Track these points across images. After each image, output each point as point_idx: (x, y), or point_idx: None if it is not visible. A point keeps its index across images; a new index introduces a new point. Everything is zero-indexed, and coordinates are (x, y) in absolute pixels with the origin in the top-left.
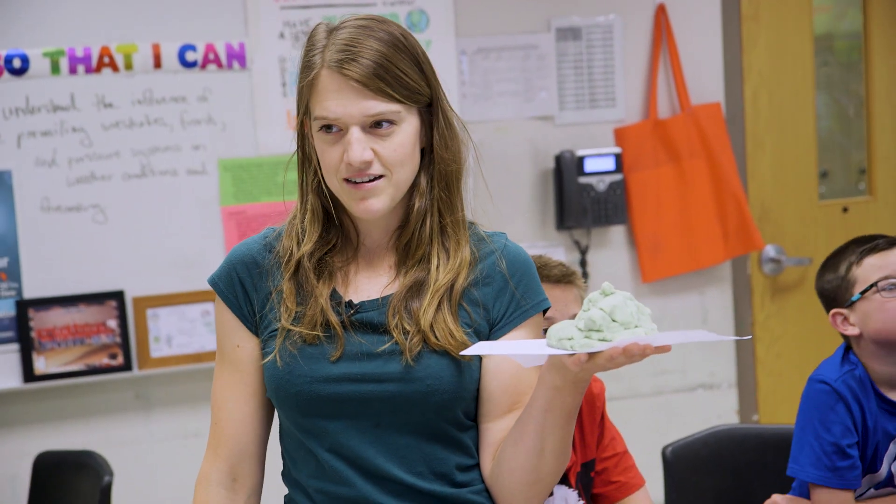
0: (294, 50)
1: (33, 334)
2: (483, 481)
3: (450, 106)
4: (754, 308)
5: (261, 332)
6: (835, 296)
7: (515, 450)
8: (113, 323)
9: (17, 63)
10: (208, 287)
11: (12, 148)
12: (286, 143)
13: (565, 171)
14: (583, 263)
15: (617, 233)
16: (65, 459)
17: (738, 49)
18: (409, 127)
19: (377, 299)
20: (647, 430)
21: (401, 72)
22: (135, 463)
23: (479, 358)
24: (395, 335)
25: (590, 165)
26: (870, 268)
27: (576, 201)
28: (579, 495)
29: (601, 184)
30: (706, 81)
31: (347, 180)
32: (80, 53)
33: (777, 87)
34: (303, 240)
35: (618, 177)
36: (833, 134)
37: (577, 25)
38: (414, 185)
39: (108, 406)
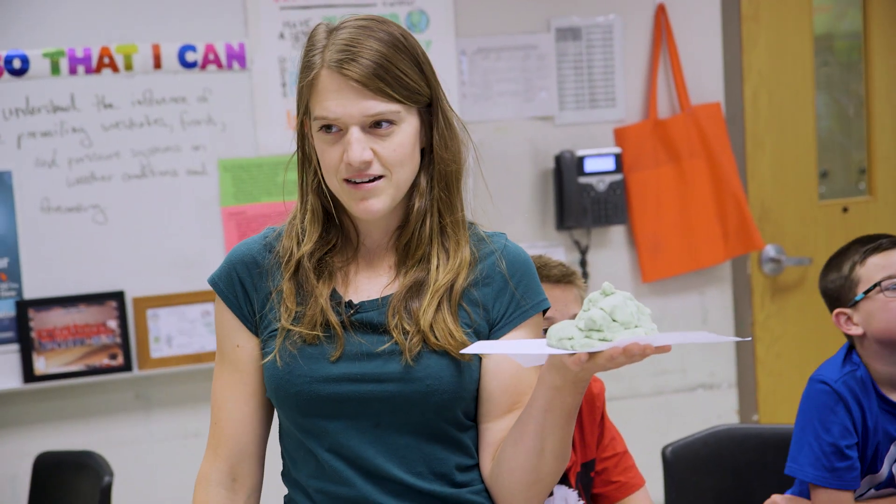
0: (294, 50)
1: (33, 335)
2: (483, 481)
3: (450, 106)
4: (754, 308)
5: (261, 332)
6: (838, 295)
7: (515, 450)
8: (113, 323)
9: (17, 63)
10: (208, 287)
11: (12, 148)
12: (286, 144)
13: (565, 171)
14: (583, 263)
15: (617, 233)
16: (65, 460)
17: (738, 49)
18: (408, 127)
19: (377, 299)
20: (647, 430)
21: (400, 72)
22: (135, 463)
23: (479, 358)
24: (394, 335)
25: (590, 165)
26: (873, 267)
27: (576, 201)
28: (579, 495)
29: (601, 184)
30: (706, 81)
31: (347, 181)
32: (80, 54)
33: (777, 87)
34: (303, 240)
35: (618, 177)
36: (833, 134)
37: (577, 25)
38: (414, 186)
39: (108, 406)
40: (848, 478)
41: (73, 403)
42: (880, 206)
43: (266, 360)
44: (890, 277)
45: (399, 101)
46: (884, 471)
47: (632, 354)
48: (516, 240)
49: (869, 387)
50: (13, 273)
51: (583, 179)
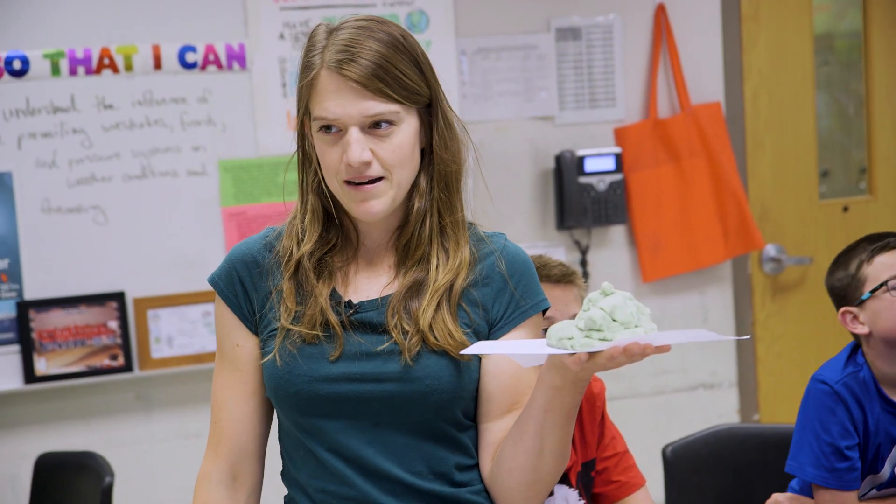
0: (294, 51)
1: (34, 335)
2: (482, 481)
3: (449, 106)
4: (755, 307)
5: (260, 332)
6: (845, 294)
7: (515, 450)
8: (114, 324)
9: (17, 64)
10: (209, 288)
11: (13, 149)
12: (286, 144)
13: (565, 171)
14: (583, 263)
15: (617, 232)
16: (66, 460)
17: (738, 49)
18: (408, 127)
19: (376, 299)
20: (648, 429)
21: (400, 72)
22: (136, 464)
23: (479, 358)
24: (394, 335)
25: (590, 165)
26: (880, 266)
27: (576, 201)
28: (580, 495)
29: (601, 184)
30: (706, 81)
31: (348, 182)
32: (80, 55)
33: (777, 87)
34: (303, 239)
35: (618, 176)
36: (833, 133)
37: (577, 25)
38: (414, 186)
39: (108, 407)
40: (848, 478)
41: (74, 404)
42: (881, 206)
43: (266, 359)
44: None
45: (398, 102)
46: (885, 471)
47: (632, 354)
48: (516, 240)
49: (871, 388)
50: (14, 274)
51: (583, 179)
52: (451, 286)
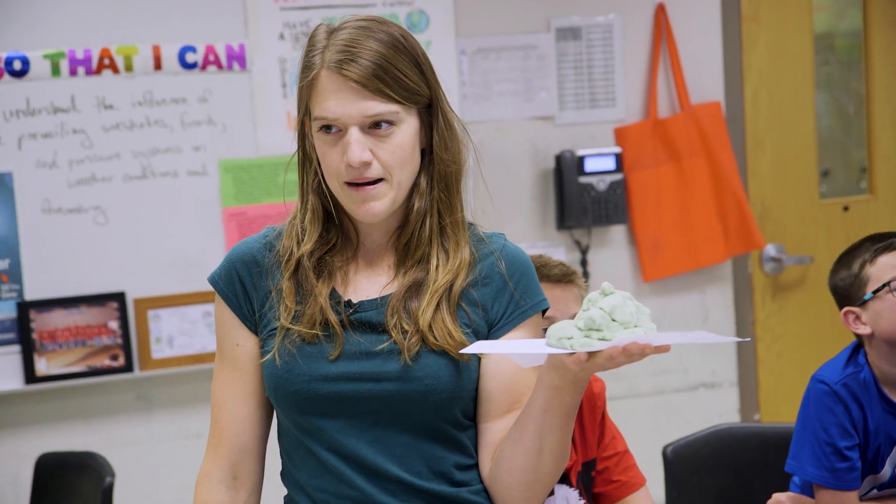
0: (294, 51)
1: (34, 336)
2: (482, 481)
3: (450, 107)
4: (755, 307)
5: (260, 331)
6: (847, 293)
7: (514, 450)
8: (114, 324)
9: (17, 65)
10: (209, 288)
11: (13, 150)
12: (286, 144)
13: (565, 170)
14: (583, 263)
15: (617, 232)
16: (66, 461)
17: (738, 48)
18: (408, 128)
19: (376, 299)
20: (648, 429)
21: (400, 73)
22: (136, 464)
23: (478, 358)
24: (393, 335)
25: (590, 165)
26: (883, 267)
27: (576, 201)
28: (580, 494)
29: (601, 183)
30: (706, 81)
31: (349, 183)
32: (80, 55)
33: (777, 86)
34: (303, 239)
35: (618, 176)
36: (833, 132)
37: (577, 25)
38: (414, 186)
39: (109, 407)
40: (848, 478)
41: (75, 404)
42: (881, 205)
43: (265, 358)
44: None
45: (398, 102)
46: (886, 472)
47: (631, 354)
48: (517, 240)
49: (872, 389)
50: (14, 274)
51: (583, 179)
52: (451, 286)
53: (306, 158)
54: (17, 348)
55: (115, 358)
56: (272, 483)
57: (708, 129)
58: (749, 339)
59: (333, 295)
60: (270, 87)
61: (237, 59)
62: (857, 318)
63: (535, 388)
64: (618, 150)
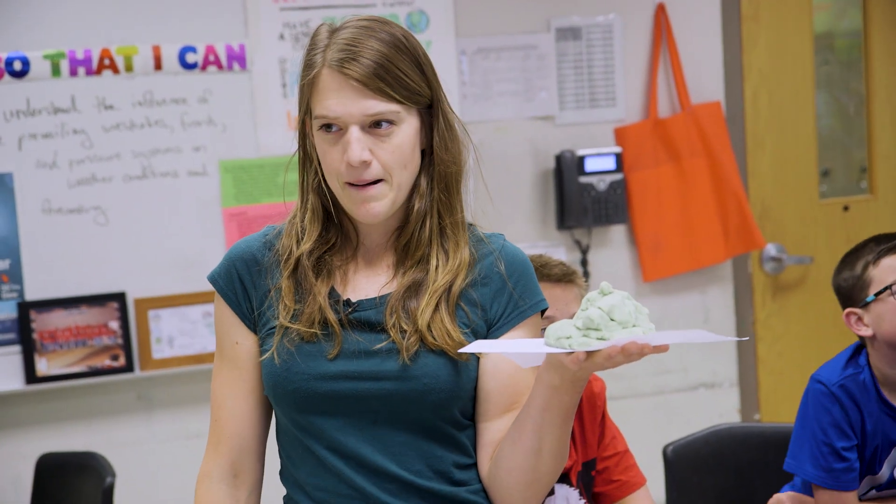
0: (294, 51)
1: (35, 336)
2: (480, 481)
3: (450, 107)
4: (755, 307)
5: (259, 330)
6: (850, 294)
7: (513, 449)
8: (114, 324)
9: (17, 65)
10: (210, 288)
11: (13, 150)
12: (287, 145)
13: (566, 170)
14: (584, 263)
15: (617, 232)
16: (67, 461)
17: (738, 48)
18: (408, 128)
19: (375, 298)
20: (648, 429)
21: (401, 72)
22: (137, 464)
23: (477, 358)
24: (392, 334)
25: (590, 165)
26: (886, 269)
27: (576, 201)
28: (580, 494)
29: (602, 183)
30: (706, 81)
31: (349, 184)
32: (80, 55)
33: (777, 86)
34: (302, 238)
35: (618, 176)
36: (834, 132)
37: (577, 25)
38: (414, 187)
39: (110, 407)
40: (846, 479)
41: (75, 404)
42: (881, 205)
43: (264, 357)
44: None
45: (399, 102)
46: (884, 473)
47: (630, 353)
48: (517, 240)
49: (871, 390)
50: (15, 274)
51: (583, 179)
52: (450, 287)
53: (307, 158)
54: (17, 348)
55: (115, 358)
56: (272, 483)
57: (708, 129)
58: (747, 338)
59: (332, 294)
60: (270, 88)
61: (237, 59)
62: (860, 319)
63: (533, 388)
64: (618, 149)
